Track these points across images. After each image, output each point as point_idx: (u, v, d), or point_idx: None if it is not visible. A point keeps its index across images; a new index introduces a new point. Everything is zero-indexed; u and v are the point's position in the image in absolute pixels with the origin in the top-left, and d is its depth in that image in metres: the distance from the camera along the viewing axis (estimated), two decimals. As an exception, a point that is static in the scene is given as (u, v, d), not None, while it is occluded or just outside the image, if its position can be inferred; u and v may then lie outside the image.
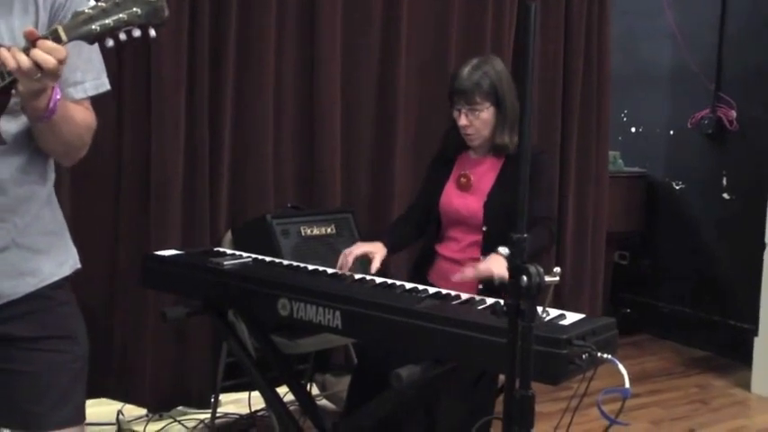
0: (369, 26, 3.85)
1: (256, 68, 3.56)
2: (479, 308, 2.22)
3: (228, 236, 3.47)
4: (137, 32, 1.47)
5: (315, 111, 3.74)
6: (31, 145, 1.70)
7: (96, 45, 1.53)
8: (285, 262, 2.82)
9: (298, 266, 2.73)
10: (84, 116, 1.73)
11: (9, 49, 1.47)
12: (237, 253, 2.89)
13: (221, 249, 3.06)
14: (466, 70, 2.82)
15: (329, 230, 3.32)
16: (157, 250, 2.99)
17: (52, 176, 1.82)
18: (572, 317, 2.09)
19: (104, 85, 1.80)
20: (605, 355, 1.86)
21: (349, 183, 3.87)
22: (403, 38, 3.91)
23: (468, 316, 2.11)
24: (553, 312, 2.10)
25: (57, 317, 1.79)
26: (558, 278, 1.49)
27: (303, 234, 3.23)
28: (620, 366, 1.80)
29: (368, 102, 3.90)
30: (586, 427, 2.10)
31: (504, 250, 2.54)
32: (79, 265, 1.88)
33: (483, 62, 2.85)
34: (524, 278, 1.42)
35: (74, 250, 1.88)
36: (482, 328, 1.99)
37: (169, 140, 3.37)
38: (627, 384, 1.74)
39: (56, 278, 1.79)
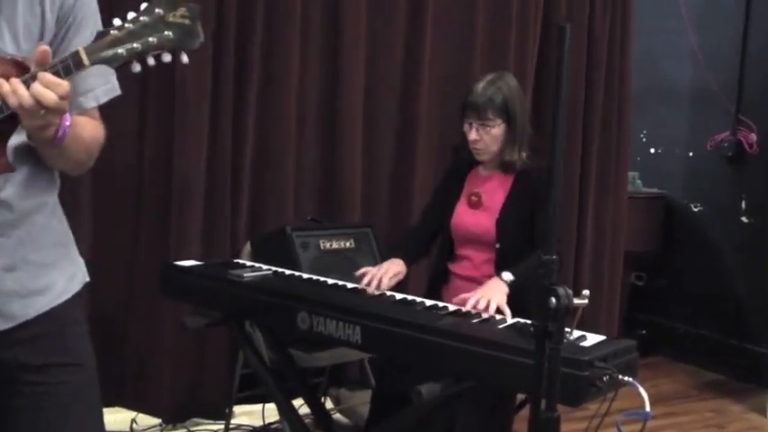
0: (392, 40, 3.87)
1: (279, 81, 3.58)
2: (500, 327, 2.21)
3: (247, 247, 3.47)
4: (167, 57, 1.34)
5: (336, 124, 3.76)
6: (33, 157, 1.54)
7: None
8: (305, 276, 2.82)
9: (318, 280, 2.73)
10: (92, 130, 1.59)
11: (9, 80, 1.33)
12: (257, 265, 2.90)
13: (240, 261, 3.07)
14: (480, 85, 2.81)
15: (348, 245, 3.32)
16: (177, 260, 2.99)
17: (57, 184, 1.66)
18: (593, 338, 2.08)
19: (115, 89, 1.65)
20: (626, 378, 1.86)
21: (369, 196, 3.88)
22: (426, 52, 3.92)
23: (488, 335, 2.11)
24: (574, 334, 2.09)
25: (66, 341, 1.63)
26: (586, 300, 1.48)
27: (322, 248, 3.23)
28: (641, 390, 1.79)
29: (389, 115, 3.91)
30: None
31: (507, 276, 2.56)
32: (88, 279, 1.73)
33: (498, 78, 2.84)
34: (553, 300, 1.42)
35: (81, 262, 1.73)
36: (503, 348, 1.99)
37: (191, 151, 3.40)
38: (647, 407, 1.73)
39: (67, 296, 1.65)
